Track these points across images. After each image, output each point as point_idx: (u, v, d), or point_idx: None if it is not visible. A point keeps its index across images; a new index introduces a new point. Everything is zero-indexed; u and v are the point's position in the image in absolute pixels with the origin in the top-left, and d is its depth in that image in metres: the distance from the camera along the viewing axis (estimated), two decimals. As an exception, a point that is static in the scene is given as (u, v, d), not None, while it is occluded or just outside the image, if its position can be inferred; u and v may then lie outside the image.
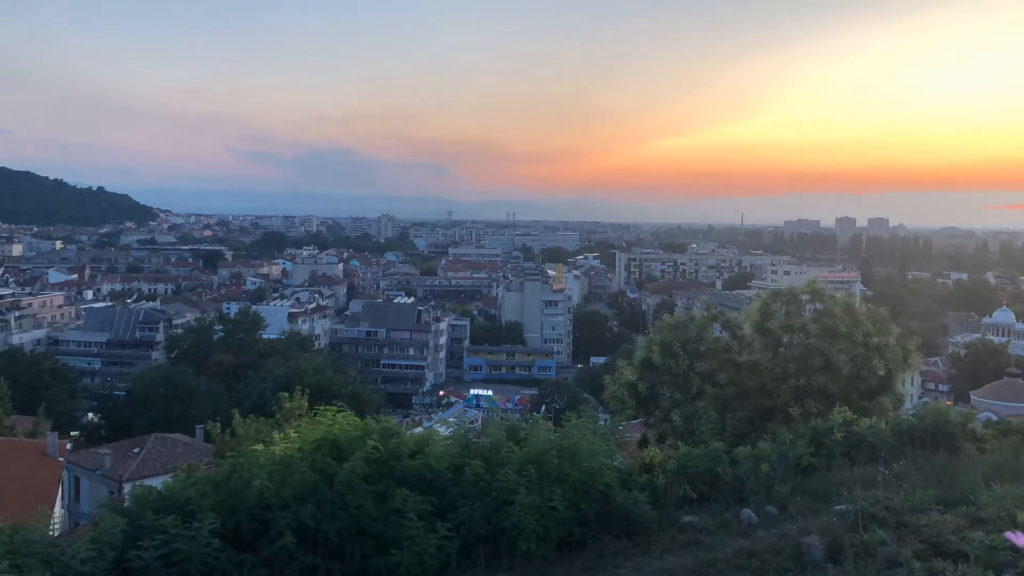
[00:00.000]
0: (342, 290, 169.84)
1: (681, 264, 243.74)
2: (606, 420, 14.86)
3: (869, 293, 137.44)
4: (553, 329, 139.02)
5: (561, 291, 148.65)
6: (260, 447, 9.75)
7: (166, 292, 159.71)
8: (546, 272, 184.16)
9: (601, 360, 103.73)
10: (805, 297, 21.77)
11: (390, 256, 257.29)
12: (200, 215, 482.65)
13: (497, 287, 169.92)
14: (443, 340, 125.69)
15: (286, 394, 29.54)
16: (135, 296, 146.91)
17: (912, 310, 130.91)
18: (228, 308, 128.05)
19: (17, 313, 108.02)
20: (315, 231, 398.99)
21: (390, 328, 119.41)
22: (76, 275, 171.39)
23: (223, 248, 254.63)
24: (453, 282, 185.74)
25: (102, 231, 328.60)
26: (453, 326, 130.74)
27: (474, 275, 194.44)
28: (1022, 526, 5.68)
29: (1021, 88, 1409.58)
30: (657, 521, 9.80)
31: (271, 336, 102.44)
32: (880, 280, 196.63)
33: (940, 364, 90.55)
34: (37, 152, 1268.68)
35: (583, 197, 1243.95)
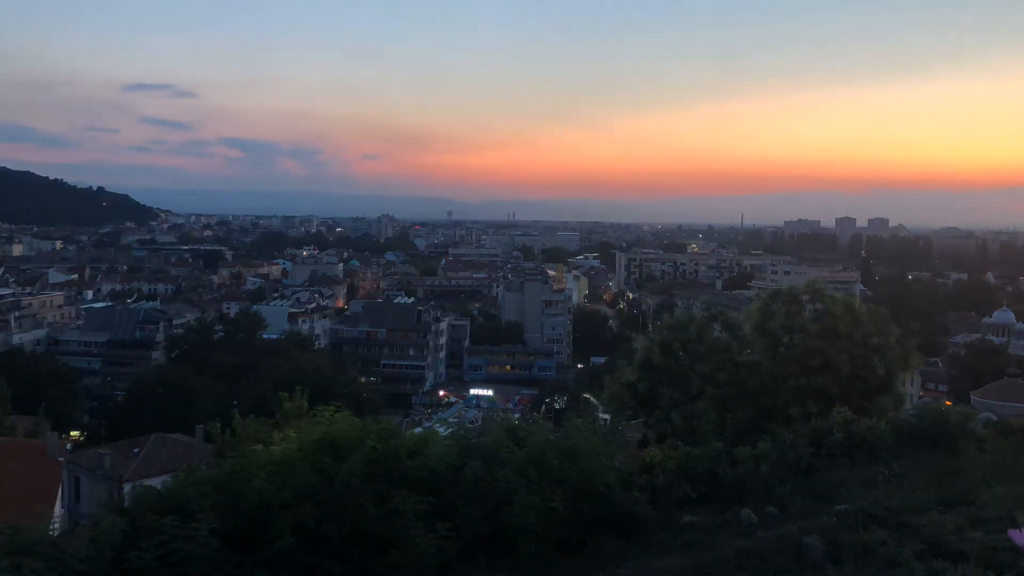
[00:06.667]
0: (342, 290, 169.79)
1: (681, 264, 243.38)
2: (606, 420, 14.86)
3: (869, 293, 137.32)
4: (553, 329, 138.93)
5: (561, 291, 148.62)
6: (260, 447, 9.76)
7: (166, 292, 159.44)
8: (546, 272, 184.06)
9: (601, 360, 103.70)
10: (805, 297, 21.78)
11: (390, 256, 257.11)
12: (200, 215, 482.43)
13: (497, 287, 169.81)
14: (443, 340, 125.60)
15: (286, 394, 29.45)
16: (135, 296, 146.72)
17: (912, 310, 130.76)
18: (228, 308, 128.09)
19: (17, 313, 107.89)
20: (315, 231, 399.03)
21: (390, 328, 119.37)
22: (76, 275, 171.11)
23: (223, 248, 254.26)
24: (453, 282, 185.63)
25: (102, 231, 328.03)
26: (453, 326, 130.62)
27: (474, 275, 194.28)
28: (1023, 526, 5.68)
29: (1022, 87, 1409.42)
30: (657, 521, 9.80)
31: (271, 336, 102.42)
32: (880, 280, 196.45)
33: (940, 364, 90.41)
34: (37, 152, 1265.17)
35: (583, 197, 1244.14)
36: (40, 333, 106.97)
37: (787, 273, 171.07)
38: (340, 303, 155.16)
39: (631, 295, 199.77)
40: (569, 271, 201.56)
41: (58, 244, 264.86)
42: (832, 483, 10.45)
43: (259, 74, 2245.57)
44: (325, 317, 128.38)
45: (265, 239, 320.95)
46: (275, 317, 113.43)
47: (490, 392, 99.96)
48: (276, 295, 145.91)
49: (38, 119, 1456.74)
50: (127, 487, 29.63)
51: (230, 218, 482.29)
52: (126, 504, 8.95)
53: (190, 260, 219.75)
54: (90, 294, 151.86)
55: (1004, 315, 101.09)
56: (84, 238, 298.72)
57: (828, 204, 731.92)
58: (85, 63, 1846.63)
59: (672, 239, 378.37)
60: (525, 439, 10.14)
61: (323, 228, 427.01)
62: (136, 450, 44.37)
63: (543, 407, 78.55)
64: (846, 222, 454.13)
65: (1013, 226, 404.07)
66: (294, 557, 8.23)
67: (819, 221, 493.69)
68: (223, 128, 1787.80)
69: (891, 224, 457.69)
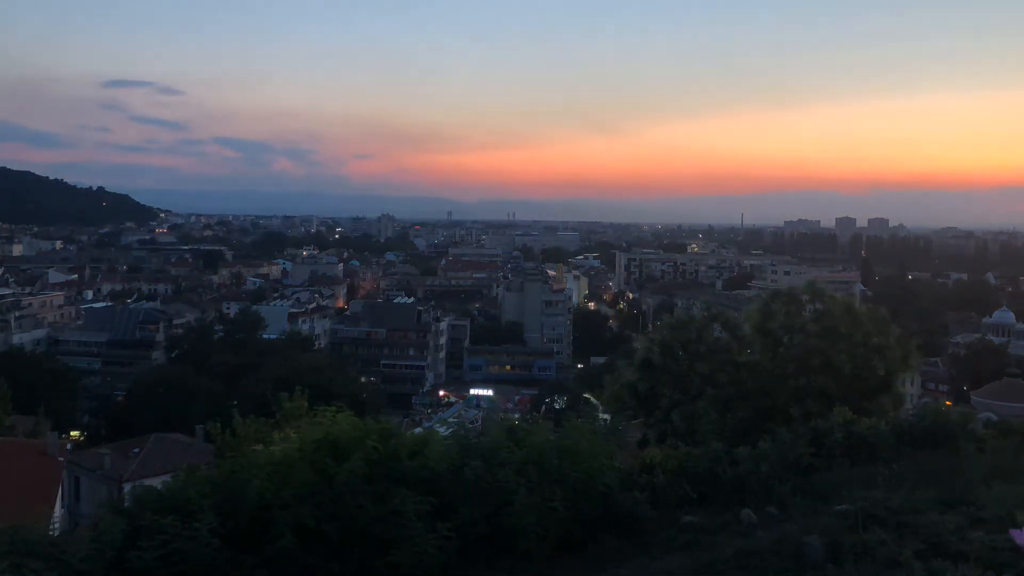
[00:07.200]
0: (342, 290, 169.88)
1: (681, 264, 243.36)
2: (606, 420, 14.87)
3: (869, 293, 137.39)
4: (553, 329, 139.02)
5: (561, 291, 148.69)
6: (260, 447, 9.77)
7: (166, 292, 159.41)
8: (546, 272, 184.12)
9: (601, 360, 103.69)
10: (805, 297, 21.79)
11: (390, 256, 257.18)
12: (200, 215, 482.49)
13: (497, 287, 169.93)
14: (443, 340, 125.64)
15: (286, 394, 29.44)
16: (135, 296, 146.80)
17: (912, 310, 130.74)
18: (228, 308, 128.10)
19: (17, 313, 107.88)
20: (315, 231, 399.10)
21: (390, 328, 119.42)
22: (76, 275, 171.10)
23: (223, 248, 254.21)
24: (453, 282, 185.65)
25: (102, 231, 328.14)
26: (453, 326, 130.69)
27: (474, 275, 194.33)
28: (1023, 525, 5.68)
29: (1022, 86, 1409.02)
30: (657, 521, 9.81)
31: (271, 336, 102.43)
32: (880, 280, 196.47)
33: (940, 364, 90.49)
34: (30, 151, 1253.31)
35: (583, 197, 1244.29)
36: (40, 333, 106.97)
37: (787, 273, 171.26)
38: (340, 303, 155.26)
39: (631, 295, 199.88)
40: (569, 271, 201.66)
41: (58, 244, 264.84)
42: (832, 483, 10.45)
43: (249, 73, 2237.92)
44: (325, 317, 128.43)
45: (265, 239, 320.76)
46: (275, 317, 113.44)
47: (490, 392, 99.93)
48: (276, 295, 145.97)
49: (28, 117, 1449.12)
50: (127, 487, 29.62)
51: (230, 218, 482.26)
52: (126, 504, 8.96)
53: (190, 260, 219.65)
54: (90, 294, 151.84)
55: (1004, 315, 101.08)
56: (84, 238, 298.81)
57: (828, 204, 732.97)
58: (72, 61, 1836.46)
59: (672, 239, 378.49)
60: (525, 439, 10.14)
61: (323, 228, 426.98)
62: (136, 450, 44.39)
63: (543, 407, 78.45)
64: (846, 222, 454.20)
65: (1013, 226, 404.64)
66: (294, 557, 8.24)
67: (819, 221, 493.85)
68: (216, 128, 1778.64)
69: (891, 224, 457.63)
